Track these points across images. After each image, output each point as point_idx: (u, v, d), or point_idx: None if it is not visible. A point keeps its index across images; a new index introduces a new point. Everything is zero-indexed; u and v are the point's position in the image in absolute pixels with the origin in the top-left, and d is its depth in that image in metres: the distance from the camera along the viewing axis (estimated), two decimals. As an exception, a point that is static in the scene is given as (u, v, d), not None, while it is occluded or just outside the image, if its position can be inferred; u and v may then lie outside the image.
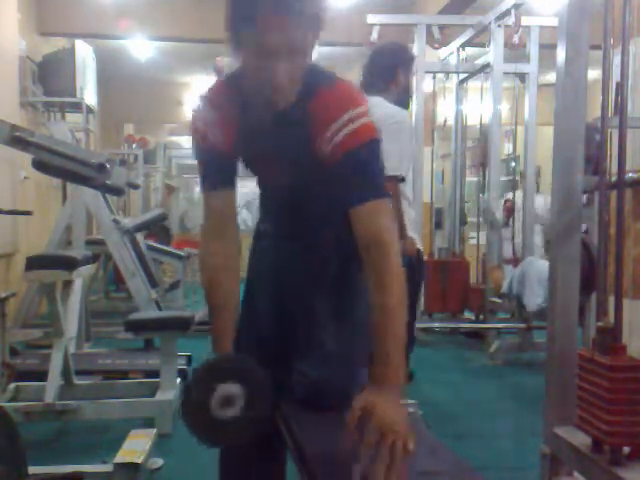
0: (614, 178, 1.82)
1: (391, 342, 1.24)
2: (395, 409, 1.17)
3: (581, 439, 1.70)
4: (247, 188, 13.06)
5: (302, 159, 1.40)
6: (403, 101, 2.86)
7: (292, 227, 1.57)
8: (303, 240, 1.55)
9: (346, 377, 1.46)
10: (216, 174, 1.47)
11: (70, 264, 3.04)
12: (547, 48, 4.95)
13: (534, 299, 4.34)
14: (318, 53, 1.59)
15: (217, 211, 1.48)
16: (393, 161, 2.51)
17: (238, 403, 1.32)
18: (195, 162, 1.51)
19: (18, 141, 3.09)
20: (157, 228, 6.96)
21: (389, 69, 2.79)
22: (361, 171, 1.32)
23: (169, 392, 3.17)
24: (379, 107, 2.62)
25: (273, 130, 1.41)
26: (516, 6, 4.69)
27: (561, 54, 1.86)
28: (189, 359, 4.21)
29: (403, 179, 2.66)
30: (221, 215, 1.49)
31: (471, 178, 8.11)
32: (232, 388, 1.32)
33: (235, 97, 1.43)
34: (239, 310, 1.62)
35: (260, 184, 1.62)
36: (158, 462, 2.25)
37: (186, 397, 1.34)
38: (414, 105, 5.17)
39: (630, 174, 3.24)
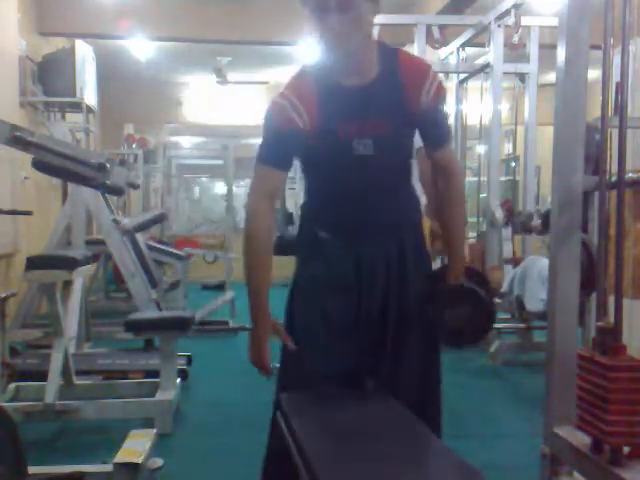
0: (614, 178, 1.82)
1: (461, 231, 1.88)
2: None
3: (581, 439, 1.70)
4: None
5: (397, 117, 1.68)
6: None
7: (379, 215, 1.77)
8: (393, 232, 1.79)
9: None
10: (287, 156, 1.71)
11: (70, 264, 3.04)
12: (547, 48, 4.95)
13: (535, 299, 4.33)
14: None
15: (276, 187, 1.74)
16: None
17: (465, 321, 1.79)
18: (260, 141, 1.72)
19: (18, 141, 3.10)
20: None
21: None
22: (444, 118, 1.80)
23: (169, 392, 3.17)
24: None
25: (368, 98, 1.66)
26: (516, 6, 4.69)
27: (561, 54, 1.86)
28: (189, 359, 4.21)
29: None
30: (277, 190, 1.76)
31: (471, 178, 8.11)
32: (463, 310, 1.79)
33: (319, 81, 1.67)
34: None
35: (336, 181, 1.76)
36: (158, 462, 2.25)
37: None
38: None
39: (630, 174, 3.24)
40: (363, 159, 1.69)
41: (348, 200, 1.76)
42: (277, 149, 1.69)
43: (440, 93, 1.70)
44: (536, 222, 4.73)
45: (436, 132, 1.76)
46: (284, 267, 3.27)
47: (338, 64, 1.65)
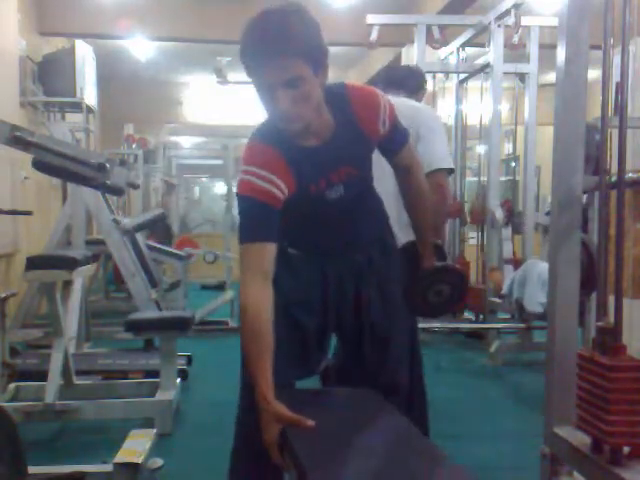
0: (614, 178, 1.82)
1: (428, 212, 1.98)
2: None
3: (581, 439, 1.70)
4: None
5: (361, 156, 1.75)
6: None
7: (348, 243, 1.85)
8: (363, 252, 1.86)
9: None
10: (272, 227, 1.62)
11: (70, 264, 3.04)
12: (547, 48, 4.95)
13: (535, 302, 4.32)
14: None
15: (271, 262, 1.61)
16: (443, 153, 2.58)
17: (445, 295, 2.03)
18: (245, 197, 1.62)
19: (18, 141, 3.09)
20: (157, 228, 6.98)
21: (414, 90, 2.92)
22: (399, 126, 1.80)
23: (169, 392, 3.17)
24: (415, 106, 2.69)
25: (332, 153, 1.67)
26: (516, 6, 4.69)
27: (561, 54, 1.86)
28: (189, 359, 4.21)
29: (453, 170, 2.73)
30: (272, 266, 1.62)
31: (471, 178, 8.11)
32: (443, 286, 2.02)
33: (282, 147, 1.62)
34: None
35: (307, 218, 1.78)
36: (158, 462, 2.25)
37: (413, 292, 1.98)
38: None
39: (630, 174, 3.24)
40: (334, 201, 1.73)
41: (318, 231, 1.81)
42: (264, 224, 1.61)
43: (393, 113, 1.73)
44: None
45: (395, 142, 1.81)
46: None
47: (294, 134, 1.62)
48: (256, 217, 1.62)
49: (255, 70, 1.51)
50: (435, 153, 2.52)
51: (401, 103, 2.62)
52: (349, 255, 1.85)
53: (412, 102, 2.72)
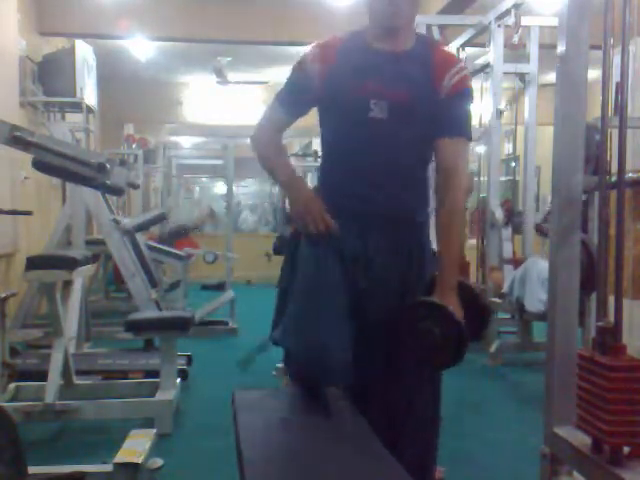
0: (614, 178, 1.82)
1: (456, 243, 1.74)
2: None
3: (581, 439, 1.70)
4: (250, 188, 13.01)
5: (418, 90, 1.72)
6: None
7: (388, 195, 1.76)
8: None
9: None
10: (295, 104, 1.83)
11: (70, 264, 3.04)
12: (547, 48, 4.95)
13: (535, 300, 4.33)
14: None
15: (280, 127, 1.89)
16: None
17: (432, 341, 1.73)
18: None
19: (18, 141, 3.09)
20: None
21: None
22: (463, 110, 1.76)
23: (169, 392, 3.17)
24: None
25: (394, 64, 1.73)
26: (516, 6, 4.69)
27: (561, 54, 1.86)
28: (189, 359, 4.21)
29: None
30: (281, 130, 1.89)
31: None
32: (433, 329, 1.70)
33: (349, 40, 1.79)
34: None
35: (347, 139, 1.78)
36: (158, 462, 2.25)
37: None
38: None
39: (630, 174, 3.25)
40: (377, 123, 1.71)
41: (358, 175, 1.76)
42: (289, 95, 1.83)
43: (463, 84, 1.74)
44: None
45: (446, 119, 1.73)
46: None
47: (378, 28, 1.75)
48: (289, 86, 1.84)
49: None
50: None
51: None
52: (386, 230, 1.75)
53: None
